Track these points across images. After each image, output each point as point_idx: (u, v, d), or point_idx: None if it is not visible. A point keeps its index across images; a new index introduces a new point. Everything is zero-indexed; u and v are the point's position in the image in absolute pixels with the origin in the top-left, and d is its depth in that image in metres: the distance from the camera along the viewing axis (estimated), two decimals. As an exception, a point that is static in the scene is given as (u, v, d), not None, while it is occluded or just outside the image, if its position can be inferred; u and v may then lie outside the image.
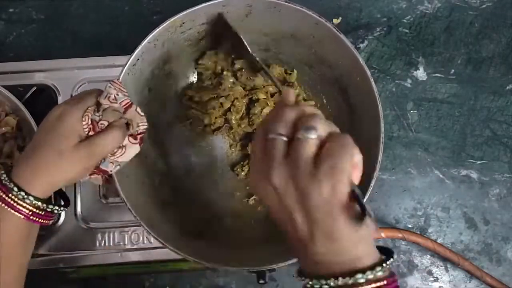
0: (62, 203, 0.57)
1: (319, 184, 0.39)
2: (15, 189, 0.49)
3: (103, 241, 0.73)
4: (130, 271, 0.79)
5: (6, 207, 0.49)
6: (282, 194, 0.40)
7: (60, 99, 0.77)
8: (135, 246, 0.72)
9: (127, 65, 0.61)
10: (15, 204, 0.49)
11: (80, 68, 0.78)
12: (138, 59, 0.63)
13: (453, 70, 0.92)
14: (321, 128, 0.41)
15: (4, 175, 0.50)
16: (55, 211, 0.52)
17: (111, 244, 0.73)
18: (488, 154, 0.89)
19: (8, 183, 0.49)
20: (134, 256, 0.72)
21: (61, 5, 0.94)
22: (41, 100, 0.79)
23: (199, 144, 0.75)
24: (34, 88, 0.78)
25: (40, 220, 0.51)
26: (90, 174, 0.55)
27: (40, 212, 0.50)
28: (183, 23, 0.64)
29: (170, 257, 0.72)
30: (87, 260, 0.72)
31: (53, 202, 0.53)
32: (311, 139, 0.40)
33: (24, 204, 0.49)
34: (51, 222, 0.53)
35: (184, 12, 0.62)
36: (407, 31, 0.94)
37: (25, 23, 0.93)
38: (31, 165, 0.50)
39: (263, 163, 0.42)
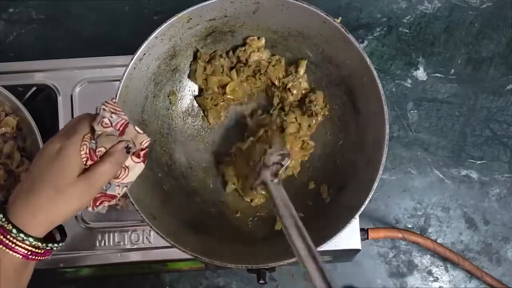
0: (59, 237, 0.55)
1: None
2: (14, 230, 0.47)
3: (103, 241, 0.73)
4: (130, 271, 0.79)
5: (4, 248, 0.47)
6: None
7: (60, 99, 0.77)
8: (135, 246, 0.72)
9: (133, 59, 0.62)
10: (13, 246, 0.47)
11: (80, 68, 0.78)
12: (145, 54, 0.63)
13: (453, 70, 0.92)
14: None
15: (1, 215, 0.48)
16: (54, 248, 0.51)
17: (111, 244, 0.73)
18: (488, 154, 0.89)
19: (6, 225, 0.47)
20: (134, 256, 0.72)
21: (61, 5, 0.94)
22: (41, 100, 0.79)
23: (204, 139, 0.75)
24: (34, 88, 0.78)
25: (38, 258, 0.50)
26: (99, 203, 0.53)
27: (39, 251, 0.49)
28: (191, 18, 0.64)
29: (170, 257, 0.72)
30: (87, 260, 0.72)
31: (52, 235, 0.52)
32: None
33: (23, 245, 0.48)
34: (48, 257, 0.51)
35: (192, 8, 0.62)
36: (407, 31, 0.94)
37: (25, 23, 0.93)
38: (29, 204, 0.48)
39: None
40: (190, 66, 0.72)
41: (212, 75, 0.71)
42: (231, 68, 0.72)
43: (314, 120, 0.72)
